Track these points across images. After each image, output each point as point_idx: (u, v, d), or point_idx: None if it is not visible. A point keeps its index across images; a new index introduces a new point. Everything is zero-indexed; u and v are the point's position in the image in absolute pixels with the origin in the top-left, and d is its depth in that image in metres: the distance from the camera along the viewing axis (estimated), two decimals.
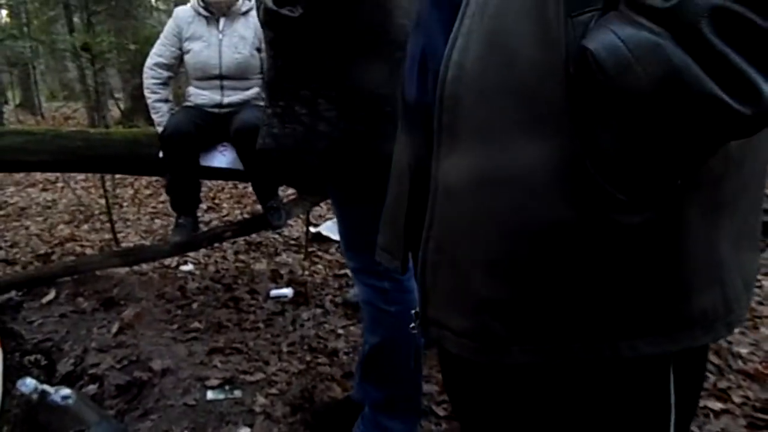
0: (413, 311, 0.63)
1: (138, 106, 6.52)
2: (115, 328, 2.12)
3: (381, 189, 1.22)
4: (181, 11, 2.54)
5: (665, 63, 0.44)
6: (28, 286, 2.34)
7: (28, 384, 1.24)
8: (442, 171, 0.57)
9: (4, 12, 13.53)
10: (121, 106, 7.61)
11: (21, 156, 2.40)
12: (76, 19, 7.27)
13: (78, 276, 2.48)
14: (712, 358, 1.83)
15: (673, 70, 0.44)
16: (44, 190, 4.49)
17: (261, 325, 2.23)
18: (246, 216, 3.89)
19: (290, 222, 3.19)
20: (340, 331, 2.19)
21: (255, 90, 2.57)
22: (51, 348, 1.88)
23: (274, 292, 2.55)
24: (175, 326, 2.18)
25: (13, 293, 2.21)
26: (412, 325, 0.64)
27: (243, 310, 2.37)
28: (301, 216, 3.21)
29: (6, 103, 11.71)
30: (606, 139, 0.49)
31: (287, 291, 2.56)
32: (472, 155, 0.54)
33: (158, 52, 2.52)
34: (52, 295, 2.32)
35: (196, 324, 2.20)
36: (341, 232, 1.40)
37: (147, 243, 3.21)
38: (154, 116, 2.54)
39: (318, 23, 1.07)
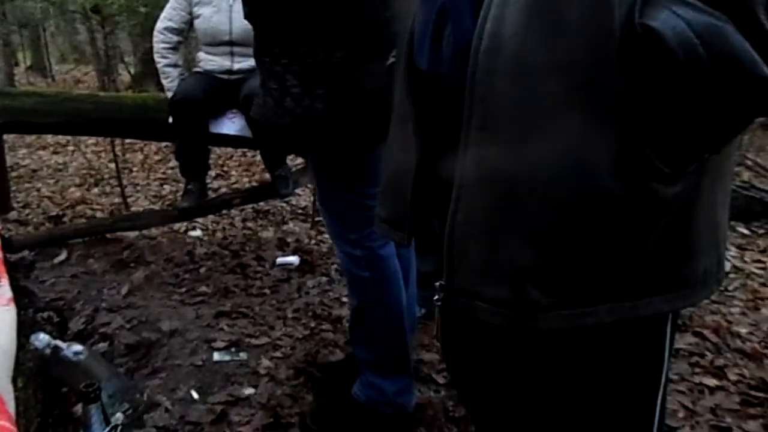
0: (437, 283, 0.64)
1: (148, 71, 6.49)
2: (125, 290, 2.17)
3: (346, 163, 1.26)
4: None
5: (728, 47, 0.47)
6: (41, 246, 2.39)
7: (42, 339, 1.28)
8: (474, 146, 0.57)
9: None
10: (131, 70, 7.58)
11: (32, 118, 2.43)
12: None
13: (89, 238, 2.53)
14: (711, 336, 1.85)
15: (734, 54, 0.47)
16: (55, 153, 4.53)
17: (267, 291, 2.27)
18: (254, 184, 3.91)
19: (298, 191, 3.22)
20: (344, 299, 2.23)
21: None
22: (63, 306, 1.93)
23: (280, 260, 2.59)
24: (183, 290, 2.23)
25: (25, 252, 2.26)
26: (436, 297, 0.65)
27: (249, 276, 2.41)
28: (309, 185, 3.22)
29: (17, 64, 11.70)
30: (661, 117, 0.51)
31: (293, 259, 2.59)
32: (511, 130, 0.55)
33: (168, 16, 2.51)
34: (63, 255, 2.37)
35: (203, 288, 2.24)
36: (318, 200, 1.45)
37: (156, 208, 3.25)
38: (164, 81, 2.55)
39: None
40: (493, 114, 0.55)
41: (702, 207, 0.58)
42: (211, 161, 2.73)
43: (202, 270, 2.42)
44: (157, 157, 4.54)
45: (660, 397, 0.65)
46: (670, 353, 0.64)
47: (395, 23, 0.88)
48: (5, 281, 1.36)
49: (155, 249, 2.59)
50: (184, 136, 2.53)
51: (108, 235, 2.57)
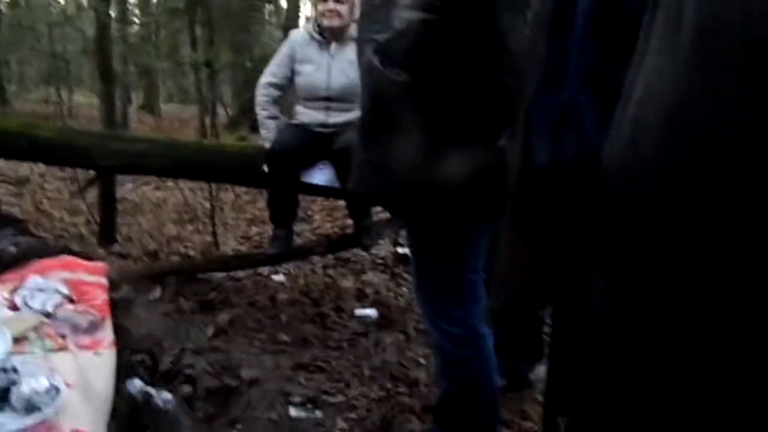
0: None
1: (244, 115, 6.99)
2: (210, 332, 2.24)
3: (452, 233, 1.21)
4: (295, 34, 2.66)
5: None
6: (139, 281, 2.54)
7: (136, 385, 1.33)
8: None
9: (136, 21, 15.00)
10: (230, 111, 8.17)
11: (143, 161, 2.63)
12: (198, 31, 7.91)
13: (181, 276, 2.65)
14: None
15: None
16: (157, 188, 4.88)
17: (345, 344, 2.26)
18: (336, 230, 3.98)
19: (378, 241, 3.23)
20: (422, 361, 2.17)
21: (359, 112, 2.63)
22: (154, 345, 2.01)
23: (358, 312, 2.58)
24: (264, 336, 2.26)
25: (125, 289, 2.40)
26: None
27: (328, 326, 2.42)
28: (390, 236, 3.23)
29: (130, 103, 12.94)
30: None
31: (372, 312, 2.58)
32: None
33: (271, 72, 2.65)
34: (158, 293, 2.50)
35: (283, 336, 2.27)
36: (413, 273, 1.40)
37: (243, 249, 3.38)
38: (262, 132, 2.68)
39: (418, 89, 1.08)
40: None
41: None
42: None
43: (283, 317, 2.46)
44: (246, 198, 4.76)
45: None
46: None
47: (509, 103, 0.86)
48: (108, 323, 1.43)
49: (240, 291, 2.67)
50: (277, 184, 2.63)
51: (199, 275, 2.69)
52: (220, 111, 8.47)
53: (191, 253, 3.26)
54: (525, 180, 0.69)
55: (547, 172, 0.64)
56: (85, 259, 1.71)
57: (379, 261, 3.40)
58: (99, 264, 1.68)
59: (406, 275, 3.13)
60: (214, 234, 3.37)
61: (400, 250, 3.36)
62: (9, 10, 11.95)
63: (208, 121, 5.42)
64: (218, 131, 5.86)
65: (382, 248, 3.53)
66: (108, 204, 3.14)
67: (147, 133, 9.20)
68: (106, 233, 3.17)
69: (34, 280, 1.40)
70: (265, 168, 2.58)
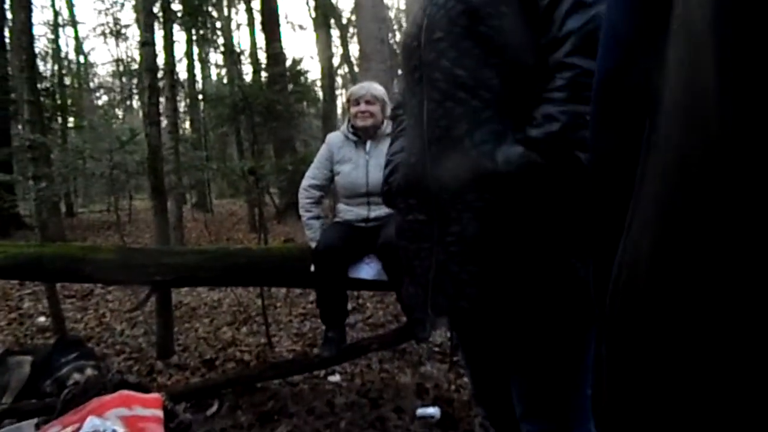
0: None
1: (290, 208, 7.26)
2: None
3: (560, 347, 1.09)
4: (332, 137, 2.75)
5: None
6: (196, 397, 2.52)
7: None
8: None
9: (187, 124, 16.15)
10: (277, 204, 8.48)
11: (197, 273, 2.68)
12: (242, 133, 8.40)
13: (237, 386, 2.62)
14: None
15: None
16: (211, 290, 4.98)
17: None
18: (389, 317, 3.91)
19: (432, 332, 3.13)
20: None
21: None
22: None
23: (420, 411, 2.45)
24: None
25: (182, 410, 2.39)
26: None
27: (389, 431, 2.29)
28: (445, 323, 3.12)
29: (185, 203, 13.67)
30: None
31: (434, 411, 2.44)
32: None
33: (312, 175, 2.73)
34: (215, 407, 2.46)
35: None
36: (517, 395, 1.21)
37: (298, 348, 3.34)
38: (307, 232, 2.71)
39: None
40: None
41: None
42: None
43: (342, 424, 2.36)
44: (298, 291, 4.79)
45: None
46: None
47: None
48: None
49: (297, 398, 2.60)
50: (325, 283, 2.62)
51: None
52: (268, 201, 8.83)
53: (246, 357, 3.24)
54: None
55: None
56: (141, 391, 1.70)
57: (437, 348, 3.27)
58: (154, 396, 1.67)
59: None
60: (268, 334, 3.36)
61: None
62: (76, 132, 13.19)
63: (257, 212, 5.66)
64: (266, 225, 6.05)
65: (437, 334, 3.41)
66: (165, 316, 3.21)
67: (200, 230, 9.66)
68: (164, 344, 3.22)
69: (92, 422, 1.40)
70: (313, 268, 2.59)
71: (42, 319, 4.16)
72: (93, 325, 4.07)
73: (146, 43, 3.34)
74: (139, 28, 8.26)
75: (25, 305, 4.74)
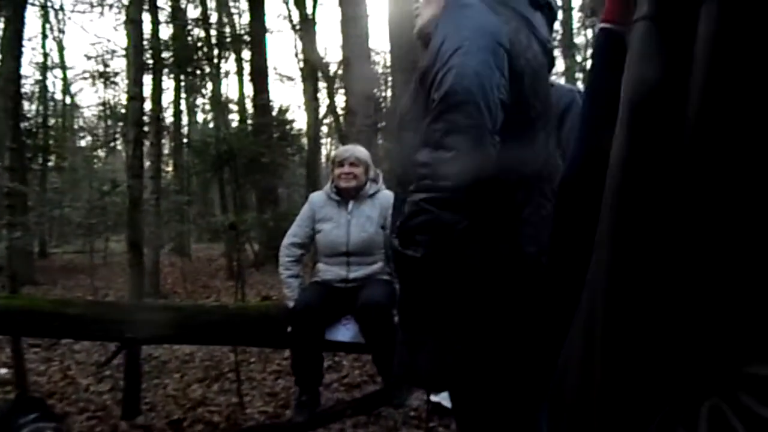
0: None
1: (268, 255, 7.21)
2: None
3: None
4: (315, 196, 2.78)
5: None
6: None
7: None
8: None
9: (170, 168, 16.10)
10: (256, 249, 8.41)
11: (169, 331, 2.62)
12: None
13: None
14: None
15: None
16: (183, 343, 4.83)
17: None
18: (365, 378, 3.83)
19: (409, 396, 3.06)
20: None
21: (379, 264, 2.65)
22: None
23: None
24: None
25: None
26: None
27: None
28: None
29: (162, 247, 13.43)
30: None
31: None
32: None
33: (294, 233, 2.73)
34: None
35: None
36: None
37: (270, 410, 3.23)
38: (285, 291, 2.69)
39: (438, 265, 1.08)
40: None
41: None
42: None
43: None
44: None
45: None
46: None
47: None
48: None
49: None
50: (302, 344, 2.57)
51: None
52: (248, 248, 8.75)
53: (216, 418, 3.12)
54: None
55: None
56: None
57: (413, 413, 3.19)
58: None
59: (441, 429, 2.92)
60: (240, 394, 3.25)
61: (433, 398, 3.16)
62: (56, 173, 13.05)
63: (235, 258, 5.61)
64: (244, 277, 5.97)
65: (414, 396, 3.34)
66: (132, 371, 3.09)
67: (176, 276, 9.46)
68: (131, 403, 3.09)
69: None
70: (289, 329, 2.55)
71: (4, 371, 3.97)
72: (57, 379, 3.90)
73: (134, 98, 3.38)
74: (128, 77, 8.37)
75: None
